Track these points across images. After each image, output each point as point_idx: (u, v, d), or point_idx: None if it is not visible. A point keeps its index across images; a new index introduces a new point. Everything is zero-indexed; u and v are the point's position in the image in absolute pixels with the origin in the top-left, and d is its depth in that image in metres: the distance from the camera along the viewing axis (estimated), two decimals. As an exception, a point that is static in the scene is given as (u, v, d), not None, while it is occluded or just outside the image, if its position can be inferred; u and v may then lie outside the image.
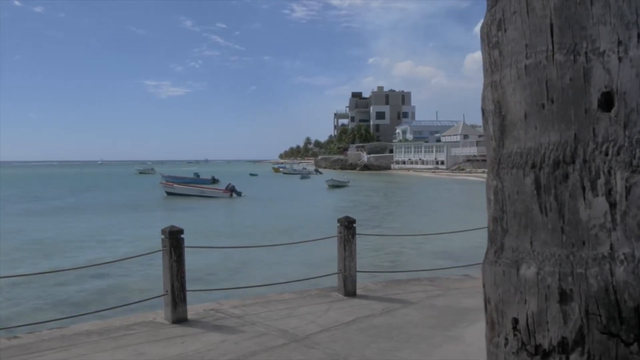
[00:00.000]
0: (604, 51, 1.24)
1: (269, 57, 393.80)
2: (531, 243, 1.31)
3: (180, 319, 5.87)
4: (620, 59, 1.23)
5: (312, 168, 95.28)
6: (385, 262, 14.16)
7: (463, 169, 75.89)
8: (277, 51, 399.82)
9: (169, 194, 41.69)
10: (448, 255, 14.21)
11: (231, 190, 40.39)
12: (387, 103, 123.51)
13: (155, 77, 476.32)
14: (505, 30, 1.39)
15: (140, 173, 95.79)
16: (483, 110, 1.50)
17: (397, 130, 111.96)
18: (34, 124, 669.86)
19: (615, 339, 1.17)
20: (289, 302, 6.69)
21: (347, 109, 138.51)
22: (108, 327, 5.70)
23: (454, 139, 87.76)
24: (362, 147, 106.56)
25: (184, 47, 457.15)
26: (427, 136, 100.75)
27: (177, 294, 5.88)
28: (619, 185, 1.20)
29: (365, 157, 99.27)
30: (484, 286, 1.47)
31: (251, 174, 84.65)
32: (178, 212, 30.09)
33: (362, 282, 7.62)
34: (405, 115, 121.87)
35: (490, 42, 1.45)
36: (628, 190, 1.20)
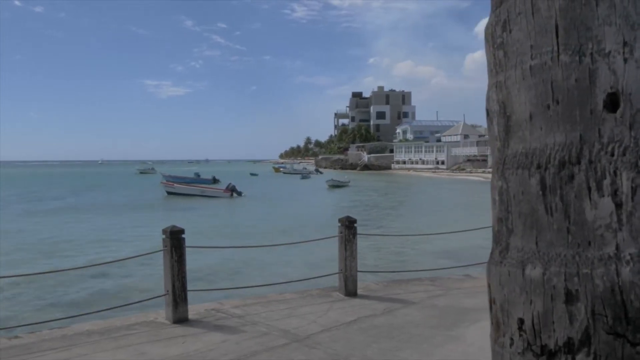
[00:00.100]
0: (610, 52, 1.24)
1: (270, 57, 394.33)
2: (537, 243, 1.31)
3: (181, 319, 5.87)
4: (625, 60, 1.23)
5: (312, 168, 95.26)
6: (386, 262, 14.15)
7: (463, 169, 75.87)
8: (277, 51, 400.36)
9: (169, 193, 41.70)
10: (449, 255, 14.21)
11: (232, 190, 40.39)
12: (387, 103, 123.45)
13: (155, 77, 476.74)
14: (510, 31, 1.39)
15: (141, 173, 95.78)
16: (488, 111, 1.50)
17: (398, 130, 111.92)
18: (34, 124, 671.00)
19: (622, 340, 1.17)
20: (290, 302, 6.68)
21: (348, 108, 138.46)
22: (109, 327, 5.69)
23: (454, 138, 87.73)
24: (363, 147, 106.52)
25: (184, 47, 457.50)
26: (428, 136, 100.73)
27: (178, 294, 5.88)
28: (624, 185, 1.20)
29: (365, 157, 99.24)
30: (489, 286, 1.46)
31: (252, 174, 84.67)
32: (178, 212, 30.09)
33: (363, 282, 7.61)
34: (406, 115, 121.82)
35: (494, 42, 1.45)
36: (634, 190, 1.20)
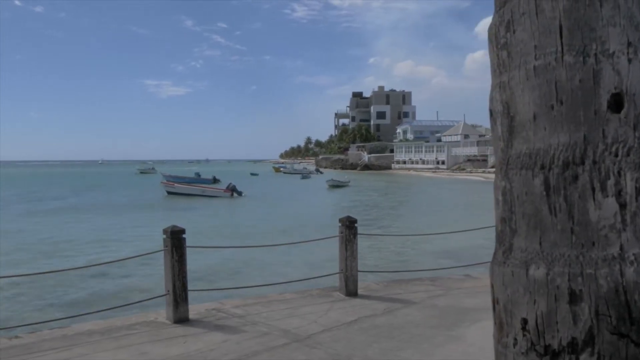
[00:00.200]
0: (614, 52, 1.24)
1: (270, 57, 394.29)
2: (540, 244, 1.31)
3: (181, 319, 5.87)
4: (630, 61, 1.23)
5: (312, 168, 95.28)
6: (387, 262, 14.15)
7: (464, 169, 75.89)
8: (277, 51, 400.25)
9: (169, 193, 41.72)
10: (449, 255, 14.21)
11: (232, 190, 40.40)
12: (387, 103, 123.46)
13: (155, 76, 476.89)
14: (513, 32, 1.40)
15: (142, 173, 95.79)
16: (491, 111, 1.50)
17: (398, 130, 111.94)
18: (34, 124, 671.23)
19: (626, 340, 1.18)
20: (291, 302, 6.68)
21: (348, 108, 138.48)
22: (110, 327, 5.69)
23: (454, 138, 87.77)
24: (363, 146, 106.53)
25: (184, 47, 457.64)
26: (428, 136, 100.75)
27: (179, 294, 5.87)
28: (629, 186, 1.20)
29: (365, 157, 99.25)
30: (492, 286, 1.47)
31: (252, 174, 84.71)
32: (179, 211, 30.10)
33: (364, 282, 7.61)
34: (406, 115, 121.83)
35: (498, 43, 1.45)
36: (638, 191, 1.20)
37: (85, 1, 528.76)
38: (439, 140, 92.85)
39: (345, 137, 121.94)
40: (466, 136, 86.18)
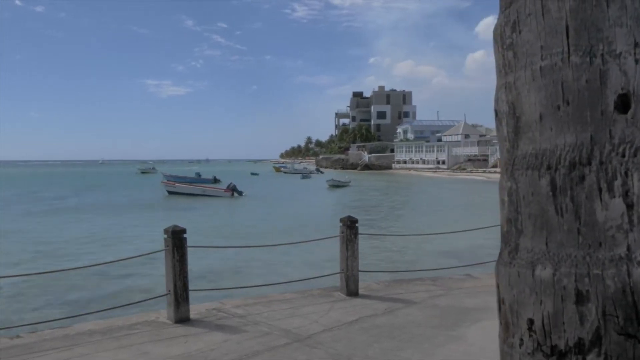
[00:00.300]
0: (620, 53, 1.24)
1: (270, 57, 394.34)
2: (547, 244, 1.31)
3: (182, 319, 5.87)
4: (636, 61, 1.23)
5: (313, 168, 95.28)
6: (388, 262, 14.15)
7: (464, 169, 75.89)
8: (278, 51, 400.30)
9: (170, 193, 41.72)
10: (450, 255, 14.21)
11: (232, 190, 40.41)
12: (388, 103, 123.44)
13: (156, 76, 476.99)
14: (519, 32, 1.39)
15: (142, 173, 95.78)
16: (496, 112, 1.50)
17: (398, 130, 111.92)
18: (34, 124, 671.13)
19: (633, 340, 1.17)
20: (292, 302, 6.68)
21: (348, 108, 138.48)
22: (110, 327, 5.69)
23: (455, 138, 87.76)
24: (363, 146, 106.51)
25: (184, 47, 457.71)
26: (428, 136, 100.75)
27: (180, 294, 5.88)
28: (636, 186, 1.20)
29: (366, 157, 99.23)
30: (497, 287, 1.46)
31: (252, 173, 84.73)
32: (179, 211, 30.10)
33: (365, 282, 7.61)
34: (407, 114, 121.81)
35: (504, 43, 1.45)
36: None
37: (86, 1, 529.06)
38: (440, 140, 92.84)
39: (346, 137, 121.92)
40: (467, 136, 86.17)
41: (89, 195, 43.76)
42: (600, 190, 1.24)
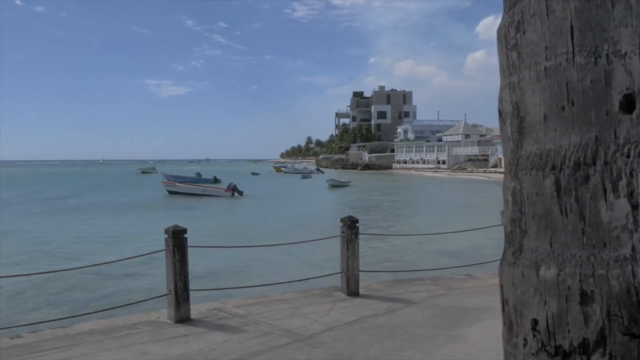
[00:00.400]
0: (626, 53, 1.24)
1: (271, 57, 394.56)
2: (551, 244, 1.31)
3: (183, 319, 5.87)
4: None
5: (313, 167, 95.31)
6: (388, 262, 14.15)
7: (464, 169, 75.87)
8: (278, 51, 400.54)
9: (170, 192, 41.73)
10: (450, 255, 14.21)
11: (233, 190, 40.41)
12: (388, 102, 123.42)
13: (156, 76, 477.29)
14: (524, 32, 1.39)
15: (143, 172, 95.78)
16: (500, 112, 1.50)
17: (399, 130, 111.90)
18: (35, 124, 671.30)
19: (637, 340, 1.17)
20: (292, 302, 6.68)
21: (349, 108, 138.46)
22: (111, 327, 5.69)
23: (455, 138, 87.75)
24: (364, 146, 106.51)
25: (185, 47, 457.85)
26: (429, 136, 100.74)
27: (181, 294, 5.88)
28: None
29: (366, 157, 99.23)
30: (501, 287, 1.46)
31: (253, 173, 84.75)
32: (180, 211, 30.10)
33: (365, 282, 7.61)
34: (407, 114, 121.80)
35: (508, 43, 1.45)
36: None
37: (86, 1, 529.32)
38: (440, 140, 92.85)
39: (346, 137, 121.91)
40: (467, 136, 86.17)
41: (90, 195, 43.76)
42: (605, 190, 1.23)
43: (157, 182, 50.22)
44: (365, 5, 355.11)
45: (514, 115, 1.43)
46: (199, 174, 64.42)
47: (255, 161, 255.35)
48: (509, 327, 1.41)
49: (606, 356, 1.20)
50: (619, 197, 1.22)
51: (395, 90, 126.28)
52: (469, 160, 78.64)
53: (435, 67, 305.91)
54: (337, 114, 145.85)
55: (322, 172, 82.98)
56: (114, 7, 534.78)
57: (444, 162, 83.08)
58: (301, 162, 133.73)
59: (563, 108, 1.30)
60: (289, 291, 7.42)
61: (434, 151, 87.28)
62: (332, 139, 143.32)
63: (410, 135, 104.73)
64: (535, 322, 1.32)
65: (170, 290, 5.89)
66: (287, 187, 53.84)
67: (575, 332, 1.24)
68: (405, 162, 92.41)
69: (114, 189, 51.69)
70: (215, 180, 55.92)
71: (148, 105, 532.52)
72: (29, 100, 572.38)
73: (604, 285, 1.20)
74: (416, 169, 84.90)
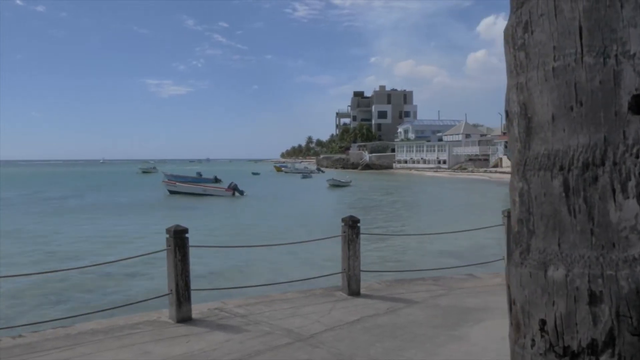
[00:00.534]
0: (635, 54, 1.23)
1: (271, 56, 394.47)
2: (559, 245, 1.31)
3: (184, 318, 5.87)
4: None
5: (313, 167, 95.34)
6: (389, 262, 14.15)
7: (465, 168, 75.86)
8: (279, 50, 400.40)
9: (171, 192, 41.75)
10: (451, 255, 14.21)
11: (234, 189, 40.43)
12: (389, 102, 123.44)
13: (156, 76, 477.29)
14: (532, 32, 1.39)
15: (143, 172, 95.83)
16: (507, 112, 1.50)
17: (399, 130, 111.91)
18: (36, 123, 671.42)
19: None
20: (293, 302, 6.68)
21: (349, 108, 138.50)
22: (113, 326, 5.70)
23: (455, 138, 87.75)
24: (364, 146, 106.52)
25: (185, 46, 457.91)
26: (429, 135, 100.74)
27: (182, 293, 5.88)
28: None
29: (367, 157, 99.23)
30: (508, 287, 1.46)
31: (254, 173, 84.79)
32: (181, 211, 30.11)
33: (366, 282, 7.61)
34: (407, 114, 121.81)
35: (515, 44, 1.45)
36: None
37: (86, 1, 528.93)
38: (441, 139, 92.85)
39: (347, 137, 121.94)
40: (467, 136, 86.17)
41: (91, 195, 43.79)
42: (613, 191, 1.23)
43: (157, 182, 50.24)
44: (366, 5, 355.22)
45: (521, 115, 1.43)
46: (199, 174, 64.47)
47: (256, 161, 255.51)
48: (517, 327, 1.41)
49: (615, 357, 1.20)
50: (628, 197, 1.22)
51: (396, 90, 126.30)
52: (470, 160, 78.63)
53: (435, 67, 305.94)
54: (337, 113, 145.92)
55: (322, 171, 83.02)
56: (115, 7, 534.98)
57: (444, 162, 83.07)
58: (302, 161, 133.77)
59: (571, 108, 1.30)
60: (290, 291, 7.42)
61: (434, 151, 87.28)
62: (332, 139, 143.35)
63: (411, 135, 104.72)
64: (543, 322, 1.32)
65: (171, 290, 5.89)
66: (288, 187, 53.85)
67: (583, 333, 1.24)
68: (405, 162, 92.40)
69: (115, 189, 51.72)
70: (216, 180, 55.95)
71: (149, 104, 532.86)
72: (30, 99, 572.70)
73: (613, 285, 1.20)
74: (417, 169, 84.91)
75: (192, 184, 46.76)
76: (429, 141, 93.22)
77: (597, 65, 1.26)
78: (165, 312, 6.07)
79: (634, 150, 1.22)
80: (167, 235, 5.95)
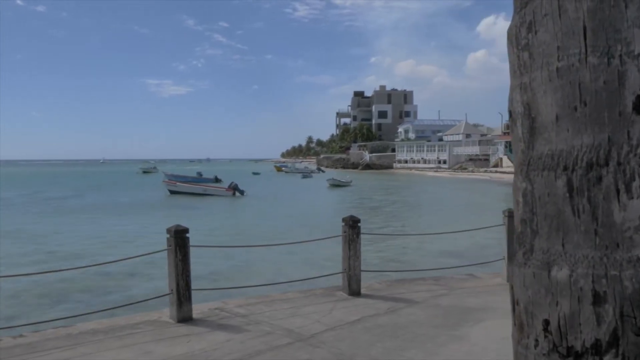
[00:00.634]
0: (639, 54, 1.23)
1: (272, 56, 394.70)
2: (563, 245, 1.31)
3: (185, 318, 5.87)
4: None
5: (314, 167, 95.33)
6: (390, 262, 14.14)
7: (465, 168, 75.83)
8: (279, 50, 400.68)
9: (172, 192, 41.74)
10: (452, 255, 14.21)
11: (234, 189, 40.42)
12: (389, 102, 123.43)
13: (157, 76, 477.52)
14: (535, 33, 1.39)
15: (144, 172, 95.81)
16: (511, 112, 1.50)
17: (399, 130, 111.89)
18: (36, 123, 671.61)
19: None
20: (294, 302, 6.69)
21: (349, 108, 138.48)
22: (113, 326, 5.70)
23: (456, 138, 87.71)
24: (364, 146, 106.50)
25: (186, 46, 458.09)
26: (429, 135, 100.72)
27: (182, 293, 5.88)
28: None
29: (367, 156, 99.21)
30: (511, 287, 1.46)
31: (254, 173, 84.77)
32: (181, 210, 30.11)
33: (367, 282, 7.62)
34: (408, 114, 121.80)
35: (519, 44, 1.45)
36: None
37: (87, 1, 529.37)
38: (441, 139, 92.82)
39: (347, 137, 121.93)
40: (468, 135, 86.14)
41: (91, 195, 43.77)
42: (618, 191, 1.23)
43: (158, 182, 50.23)
44: (366, 5, 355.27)
45: (525, 115, 1.43)
46: (200, 174, 64.47)
47: (256, 161, 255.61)
48: (520, 327, 1.41)
49: (619, 357, 1.20)
50: (632, 198, 1.22)
51: (396, 89, 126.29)
52: (470, 160, 78.60)
53: (436, 67, 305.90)
54: (337, 113, 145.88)
55: (323, 171, 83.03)
56: (115, 7, 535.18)
57: (444, 162, 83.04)
58: (302, 161, 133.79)
59: (575, 109, 1.30)
60: (290, 291, 7.42)
61: (434, 151, 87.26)
62: (332, 139, 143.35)
63: (411, 135, 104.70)
64: (546, 322, 1.32)
65: (172, 290, 5.89)
66: (288, 187, 53.84)
67: (587, 333, 1.24)
68: (406, 161, 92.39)
69: (115, 189, 51.70)
70: (217, 180, 55.95)
71: (149, 104, 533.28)
72: (30, 99, 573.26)
73: (617, 286, 1.20)
74: (417, 169, 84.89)
75: (193, 183, 46.77)
76: (429, 141, 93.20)
77: (602, 65, 1.27)
78: (166, 312, 6.07)
79: (638, 151, 1.22)
80: (168, 235, 5.95)
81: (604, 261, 1.23)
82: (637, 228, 1.21)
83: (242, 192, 40.42)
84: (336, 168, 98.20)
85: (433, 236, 15.20)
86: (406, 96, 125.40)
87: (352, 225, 7.01)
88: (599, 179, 1.26)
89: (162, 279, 7.55)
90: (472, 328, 5.65)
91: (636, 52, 1.24)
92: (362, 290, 7.09)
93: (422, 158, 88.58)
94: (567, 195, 1.31)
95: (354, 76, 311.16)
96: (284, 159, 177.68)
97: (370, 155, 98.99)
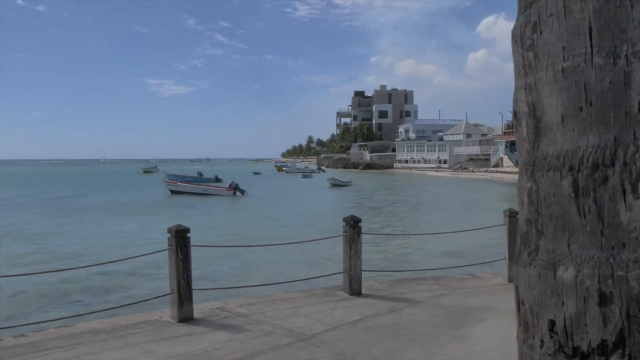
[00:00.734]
0: None
1: (272, 56, 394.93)
2: (568, 245, 1.31)
3: (186, 318, 5.87)
4: None
5: (314, 167, 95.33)
6: (391, 261, 14.14)
7: (466, 168, 75.81)
8: (280, 50, 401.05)
9: (172, 192, 41.75)
10: (453, 254, 14.20)
11: (235, 189, 40.43)
12: (389, 102, 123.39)
13: (157, 75, 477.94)
14: (540, 33, 1.39)
15: (144, 172, 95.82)
16: (515, 112, 1.50)
17: (400, 129, 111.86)
18: (37, 123, 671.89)
19: None
20: (295, 301, 6.69)
21: (350, 107, 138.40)
22: (115, 326, 5.70)
23: (456, 137, 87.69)
24: (365, 146, 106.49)
25: (186, 46, 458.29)
26: (430, 135, 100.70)
27: (184, 293, 5.88)
28: None
29: (367, 156, 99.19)
30: (516, 288, 1.46)
31: (255, 172, 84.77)
32: (182, 210, 30.13)
33: (368, 282, 7.61)
34: (408, 114, 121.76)
35: (524, 44, 1.44)
36: None
37: (87, 0, 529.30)
38: (441, 139, 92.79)
39: (347, 136, 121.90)
40: (468, 135, 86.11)
41: (92, 195, 43.77)
42: (624, 191, 1.23)
43: (159, 182, 50.25)
44: (367, 5, 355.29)
45: (530, 115, 1.43)
46: (200, 173, 64.46)
47: (257, 160, 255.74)
48: (525, 327, 1.41)
49: (625, 357, 1.20)
50: (639, 198, 1.22)
51: (397, 89, 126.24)
52: (471, 159, 78.58)
53: (436, 67, 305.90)
54: (338, 113, 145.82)
55: (323, 171, 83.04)
56: (116, 7, 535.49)
57: (445, 162, 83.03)
58: (302, 161, 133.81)
59: (581, 109, 1.30)
60: (291, 290, 7.42)
61: (435, 150, 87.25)
62: (333, 139, 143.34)
63: (412, 135, 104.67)
64: (552, 323, 1.32)
65: (173, 290, 5.89)
66: (289, 187, 53.85)
67: (593, 333, 1.24)
68: (406, 161, 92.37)
69: (116, 189, 51.70)
70: (217, 180, 55.96)
71: (149, 104, 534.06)
72: (31, 99, 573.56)
73: (623, 286, 1.20)
74: (418, 169, 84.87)
75: (194, 183, 46.78)
76: (429, 141, 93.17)
77: (607, 65, 1.26)
78: (167, 312, 6.07)
79: None
80: (169, 235, 5.95)
81: (610, 261, 1.23)
82: None
83: (242, 192, 40.42)
84: (336, 168, 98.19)
85: (434, 236, 15.20)
86: (406, 96, 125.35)
87: (353, 225, 7.01)
88: (605, 179, 1.26)
89: (163, 279, 7.56)
90: (473, 328, 5.65)
91: None
92: (363, 290, 7.09)
93: (422, 158, 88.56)
94: (573, 195, 1.31)
95: (354, 76, 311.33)
96: (284, 159, 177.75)
97: (371, 155, 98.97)
